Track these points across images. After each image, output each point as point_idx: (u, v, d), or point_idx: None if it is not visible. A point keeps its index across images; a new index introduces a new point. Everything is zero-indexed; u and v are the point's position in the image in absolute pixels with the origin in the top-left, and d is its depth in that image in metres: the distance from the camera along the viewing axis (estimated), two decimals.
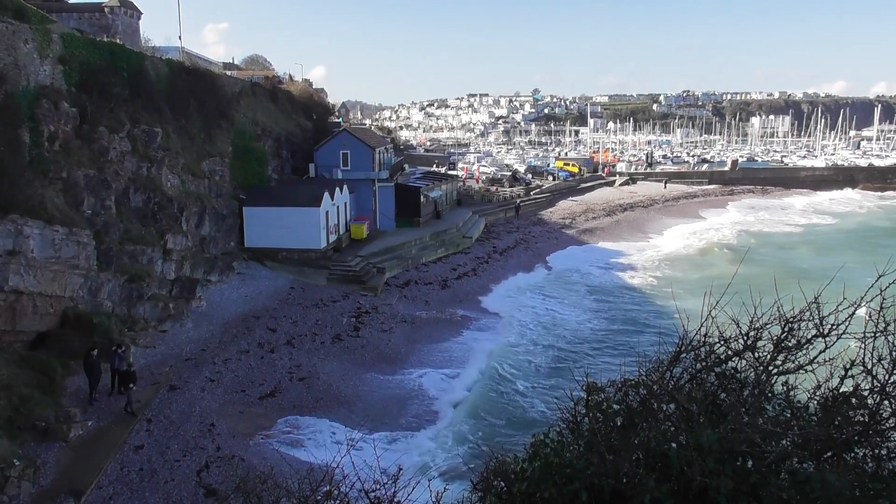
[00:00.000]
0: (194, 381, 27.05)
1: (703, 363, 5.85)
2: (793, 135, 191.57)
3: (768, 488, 4.39)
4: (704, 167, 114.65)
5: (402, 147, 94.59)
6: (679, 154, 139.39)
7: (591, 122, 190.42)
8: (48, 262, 26.12)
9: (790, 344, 5.62)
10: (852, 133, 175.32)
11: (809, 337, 5.55)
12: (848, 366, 5.25)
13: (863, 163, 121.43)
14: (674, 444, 4.73)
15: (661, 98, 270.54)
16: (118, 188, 31.83)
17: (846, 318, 5.48)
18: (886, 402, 4.95)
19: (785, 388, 5.55)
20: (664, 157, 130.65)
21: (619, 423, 5.48)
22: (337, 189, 46.92)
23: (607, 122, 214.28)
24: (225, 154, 43.09)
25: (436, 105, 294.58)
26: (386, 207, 53.84)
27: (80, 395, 24.17)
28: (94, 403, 23.89)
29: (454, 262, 49.88)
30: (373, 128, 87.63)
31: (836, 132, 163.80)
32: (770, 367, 5.66)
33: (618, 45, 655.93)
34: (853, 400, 5.09)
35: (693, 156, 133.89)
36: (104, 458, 20.89)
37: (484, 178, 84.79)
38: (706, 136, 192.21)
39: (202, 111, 41.20)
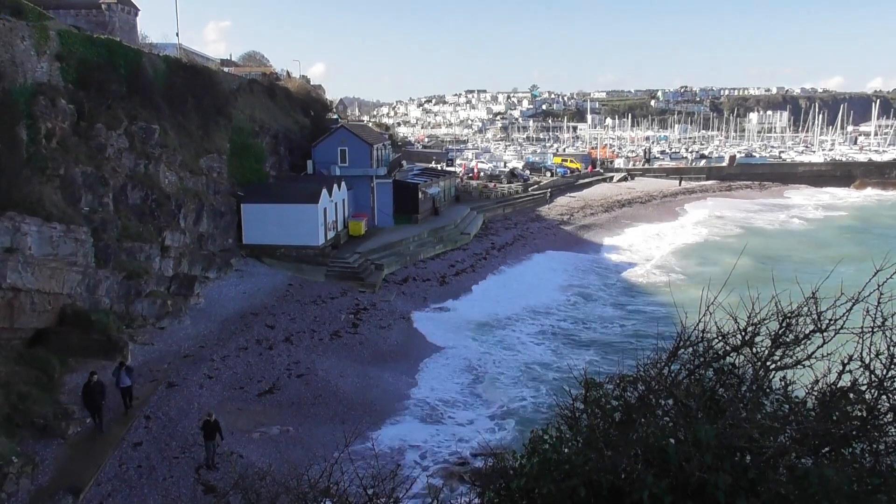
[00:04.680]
0: (193, 377, 27.05)
1: (701, 359, 5.86)
2: (791, 130, 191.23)
3: (766, 483, 4.40)
4: (702, 163, 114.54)
5: (399, 144, 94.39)
6: (677, 150, 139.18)
7: (589, 118, 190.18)
8: (46, 260, 26.10)
9: (788, 339, 5.63)
10: (850, 128, 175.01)
11: (807, 332, 5.56)
12: (846, 361, 5.26)
13: (861, 158, 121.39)
14: (672, 440, 4.73)
15: (659, 94, 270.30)
16: (116, 185, 31.79)
17: (844, 314, 5.48)
18: (884, 397, 4.96)
19: (783, 383, 5.56)
20: (662, 152, 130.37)
21: (617, 419, 5.49)
22: (335, 186, 46.89)
23: (605, 118, 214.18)
24: (223, 151, 43.03)
25: (433, 101, 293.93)
26: (384, 204, 53.81)
27: (79, 392, 24.10)
28: (102, 432, 22.22)
29: (452, 258, 49.89)
30: (371, 124, 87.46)
31: (834, 127, 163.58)
32: (768, 363, 5.67)
33: (615, 41, 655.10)
34: (851, 395, 5.10)
35: (691, 151, 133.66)
36: (103, 455, 20.91)
37: (482, 174, 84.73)
38: (704, 131, 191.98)
39: (200, 108, 41.13)
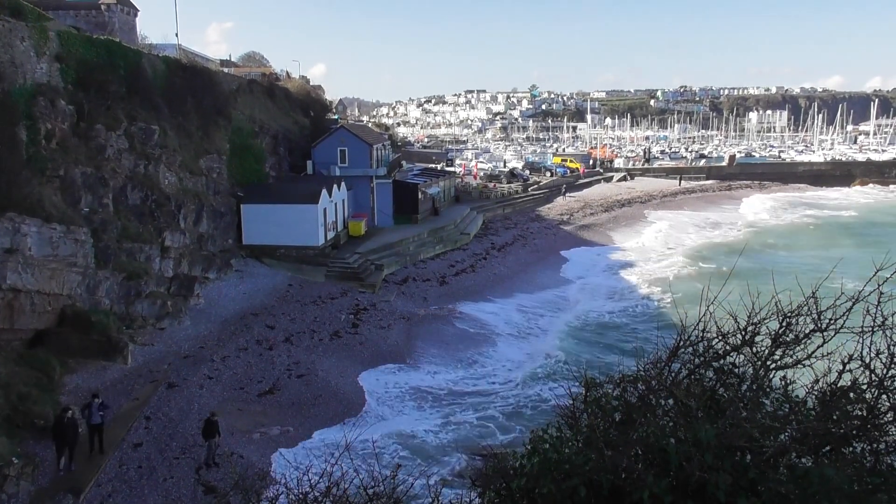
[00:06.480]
0: (193, 378, 27.05)
1: (702, 358, 5.86)
2: (790, 130, 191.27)
3: (767, 483, 4.40)
4: (702, 163, 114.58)
5: (399, 144, 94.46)
6: (677, 150, 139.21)
7: (588, 117, 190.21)
8: (46, 260, 26.09)
9: (788, 339, 5.63)
10: (850, 128, 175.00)
11: (807, 332, 5.55)
12: (846, 360, 5.26)
13: (860, 157, 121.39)
14: (672, 440, 4.73)
15: (659, 94, 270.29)
16: (116, 186, 31.79)
17: (844, 313, 5.48)
18: (884, 397, 4.95)
19: (783, 382, 5.56)
20: (662, 152, 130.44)
21: (617, 419, 5.49)
22: (335, 186, 46.89)
23: (605, 117, 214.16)
24: (222, 151, 43.04)
25: (433, 101, 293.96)
26: (384, 204, 53.81)
27: (79, 393, 24.11)
28: (62, 473, 19.77)
29: (452, 258, 49.88)
30: (370, 125, 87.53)
31: (834, 127, 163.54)
32: (768, 362, 5.66)
33: (615, 41, 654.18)
34: (851, 394, 5.10)
35: (691, 151, 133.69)
36: (103, 456, 20.89)
37: (482, 174, 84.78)
38: (704, 131, 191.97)
39: (199, 108, 41.11)
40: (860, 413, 4.97)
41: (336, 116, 76.46)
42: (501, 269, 49.24)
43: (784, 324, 5.63)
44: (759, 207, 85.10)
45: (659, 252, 58.03)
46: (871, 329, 5.19)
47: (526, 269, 49.96)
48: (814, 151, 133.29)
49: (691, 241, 63.27)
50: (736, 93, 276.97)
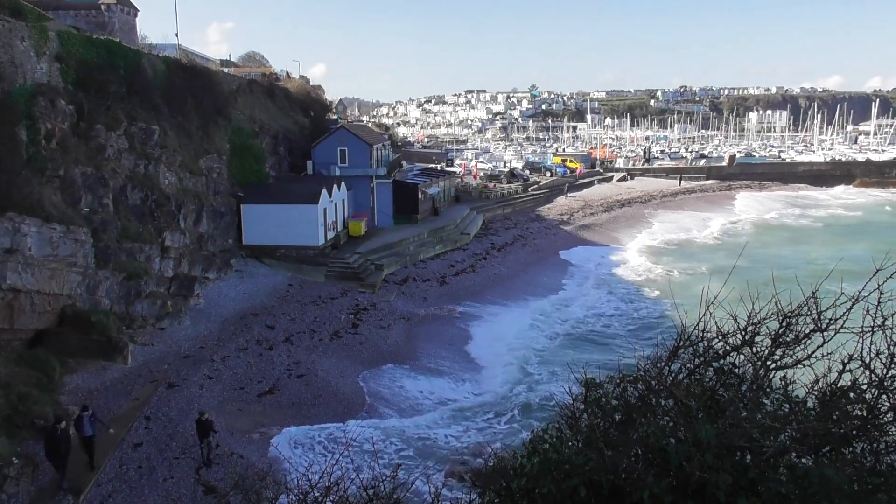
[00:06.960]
0: (193, 378, 27.05)
1: (702, 358, 5.85)
2: (790, 130, 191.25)
3: (767, 483, 4.39)
4: (702, 163, 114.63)
5: (399, 144, 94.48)
6: (677, 149, 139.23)
7: (588, 117, 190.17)
8: (46, 260, 26.09)
9: (788, 339, 5.62)
10: (850, 128, 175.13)
11: (807, 332, 5.55)
12: (846, 360, 5.25)
13: (860, 157, 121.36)
14: (672, 440, 4.73)
15: (659, 94, 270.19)
16: (116, 186, 31.79)
17: (844, 313, 5.47)
18: (885, 397, 4.95)
19: (783, 382, 5.55)
20: (662, 152, 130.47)
21: (617, 419, 5.48)
22: (335, 186, 46.89)
23: (605, 117, 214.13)
24: (222, 151, 43.04)
25: (433, 102, 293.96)
26: (384, 204, 53.81)
27: (79, 393, 24.12)
28: (64, 487, 19.13)
29: (452, 258, 49.88)
30: (370, 125, 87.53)
31: (834, 127, 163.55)
32: (768, 362, 5.66)
33: (614, 40, 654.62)
34: (851, 394, 5.09)
35: (691, 151, 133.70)
36: (103, 456, 20.88)
37: (482, 174, 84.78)
38: (704, 131, 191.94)
39: (199, 108, 41.12)
40: (860, 413, 4.97)
41: (336, 116, 76.48)
42: (501, 269, 49.22)
43: (784, 324, 5.62)
44: (757, 207, 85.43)
45: (658, 251, 58.06)
46: (871, 329, 5.19)
47: (526, 269, 49.96)
48: (814, 151, 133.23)
49: (691, 241, 63.43)
50: (736, 93, 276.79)
